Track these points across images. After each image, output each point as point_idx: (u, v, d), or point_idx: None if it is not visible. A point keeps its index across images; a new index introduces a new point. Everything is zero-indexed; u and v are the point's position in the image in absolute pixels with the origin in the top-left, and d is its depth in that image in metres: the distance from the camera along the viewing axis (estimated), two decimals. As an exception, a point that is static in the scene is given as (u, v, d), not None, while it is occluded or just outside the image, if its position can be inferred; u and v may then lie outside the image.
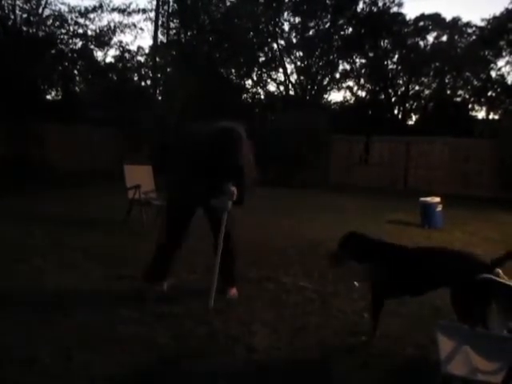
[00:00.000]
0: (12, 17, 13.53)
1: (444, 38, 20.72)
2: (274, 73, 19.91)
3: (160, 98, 17.50)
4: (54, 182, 10.87)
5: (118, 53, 16.41)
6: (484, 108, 20.39)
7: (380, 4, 18.82)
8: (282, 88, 19.96)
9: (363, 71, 20.45)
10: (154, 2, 17.36)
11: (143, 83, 17.47)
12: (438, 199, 7.71)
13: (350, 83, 21.05)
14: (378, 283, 2.90)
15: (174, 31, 18.33)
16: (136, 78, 17.08)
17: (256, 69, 19.23)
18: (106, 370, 2.41)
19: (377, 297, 2.90)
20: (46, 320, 2.99)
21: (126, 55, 16.47)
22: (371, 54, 19.53)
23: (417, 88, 20.77)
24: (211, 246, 3.72)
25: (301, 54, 19.41)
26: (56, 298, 3.39)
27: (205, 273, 4.00)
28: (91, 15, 14.63)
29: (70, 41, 14.74)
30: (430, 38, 20.53)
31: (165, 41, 18.00)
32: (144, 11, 16.11)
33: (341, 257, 3.04)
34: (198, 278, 4.03)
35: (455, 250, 3.01)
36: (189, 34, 18.04)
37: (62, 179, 11.50)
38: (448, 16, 20.79)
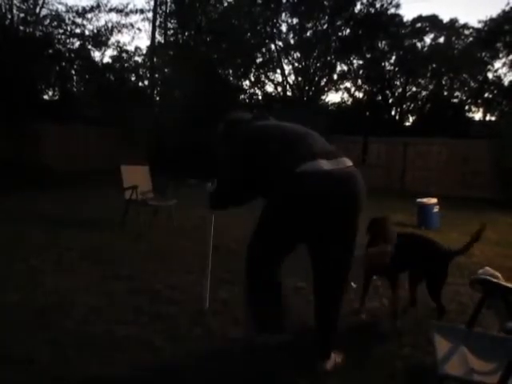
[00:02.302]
0: (9, 16, 13.48)
1: (441, 40, 20.79)
2: (271, 73, 19.92)
3: (157, 98, 17.49)
4: (50, 182, 10.85)
5: (115, 53, 16.43)
6: (481, 109, 20.47)
7: (377, 5, 18.86)
8: (279, 89, 19.97)
9: (361, 72, 20.49)
10: (152, 3, 17.37)
11: (141, 83, 17.48)
12: (434, 200, 7.73)
13: (348, 84, 21.10)
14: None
15: (172, 31, 18.31)
16: (133, 79, 17.07)
17: (253, 69, 19.23)
18: (104, 371, 2.41)
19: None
20: (44, 320, 2.98)
21: (124, 55, 16.49)
22: (369, 56, 19.55)
23: (414, 89, 20.82)
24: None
25: (298, 54, 19.42)
26: (53, 299, 3.38)
27: (201, 273, 4.01)
28: (89, 15, 14.62)
29: (68, 41, 14.71)
30: (428, 39, 20.62)
31: (162, 41, 17.99)
32: (142, 11, 16.13)
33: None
34: (194, 278, 4.03)
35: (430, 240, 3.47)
36: (186, 34, 18.02)
37: (58, 179, 11.48)
38: (445, 18, 21.04)
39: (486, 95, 19.79)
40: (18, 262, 4.27)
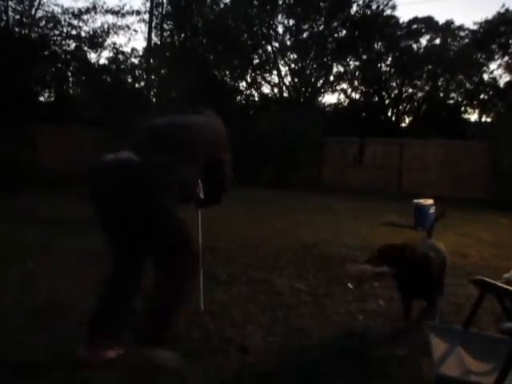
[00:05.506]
0: (4, 18, 13.45)
1: (437, 41, 20.84)
2: (268, 75, 19.94)
3: (154, 99, 17.47)
4: (46, 184, 10.81)
5: (111, 54, 16.37)
6: (477, 110, 20.53)
7: (373, 7, 18.93)
8: (276, 90, 20.00)
9: (357, 73, 20.54)
10: (148, 4, 17.37)
11: (137, 85, 17.44)
12: (431, 201, 7.76)
13: (344, 85, 21.15)
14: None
15: (168, 33, 18.32)
16: (130, 80, 17.03)
17: (250, 71, 19.24)
18: (102, 374, 2.40)
19: None
20: (41, 323, 2.97)
21: (120, 57, 16.43)
22: (365, 57, 19.60)
23: (410, 90, 20.87)
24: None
25: (295, 56, 19.44)
26: (51, 301, 3.37)
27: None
28: (85, 17, 14.57)
29: (64, 42, 14.66)
30: (423, 40, 20.66)
31: (159, 43, 17.99)
32: (138, 13, 16.06)
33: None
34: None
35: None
36: (183, 35, 18.03)
37: (54, 181, 11.43)
38: (441, 19, 20.93)
39: (481, 96, 19.86)
40: (12, 264, 4.25)
